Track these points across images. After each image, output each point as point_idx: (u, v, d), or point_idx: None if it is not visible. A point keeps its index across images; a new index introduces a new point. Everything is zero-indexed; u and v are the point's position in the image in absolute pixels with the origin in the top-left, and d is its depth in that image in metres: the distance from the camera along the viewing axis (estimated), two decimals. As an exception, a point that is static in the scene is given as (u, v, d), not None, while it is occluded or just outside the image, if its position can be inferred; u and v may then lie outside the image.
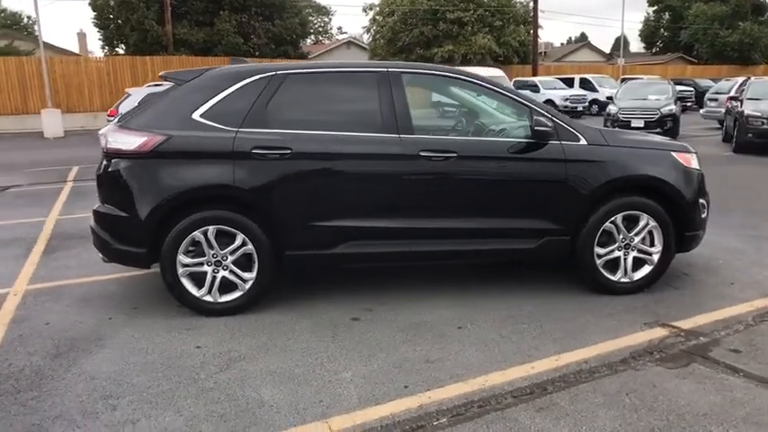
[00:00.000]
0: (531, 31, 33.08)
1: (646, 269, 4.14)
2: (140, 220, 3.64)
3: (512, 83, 27.15)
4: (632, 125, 14.51)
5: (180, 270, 3.70)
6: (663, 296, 4.10)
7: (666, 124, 14.46)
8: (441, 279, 4.42)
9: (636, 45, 60.82)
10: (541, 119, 3.79)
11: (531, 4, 32.69)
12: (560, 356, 3.23)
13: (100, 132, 3.83)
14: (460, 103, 4.56)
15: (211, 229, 3.68)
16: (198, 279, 3.76)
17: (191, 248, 3.74)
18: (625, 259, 4.09)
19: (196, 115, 3.69)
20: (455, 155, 3.81)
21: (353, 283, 4.34)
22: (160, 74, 4.00)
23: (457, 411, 2.70)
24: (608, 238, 4.05)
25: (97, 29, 26.05)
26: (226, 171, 3.64)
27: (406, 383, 2.95)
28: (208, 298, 3.76)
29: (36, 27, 19.11)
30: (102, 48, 27.38)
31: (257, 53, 27.68)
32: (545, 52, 52.10)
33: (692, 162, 4.21)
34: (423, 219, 3.86)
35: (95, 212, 3.85)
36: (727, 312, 3.82)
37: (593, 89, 27.35)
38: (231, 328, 3.62)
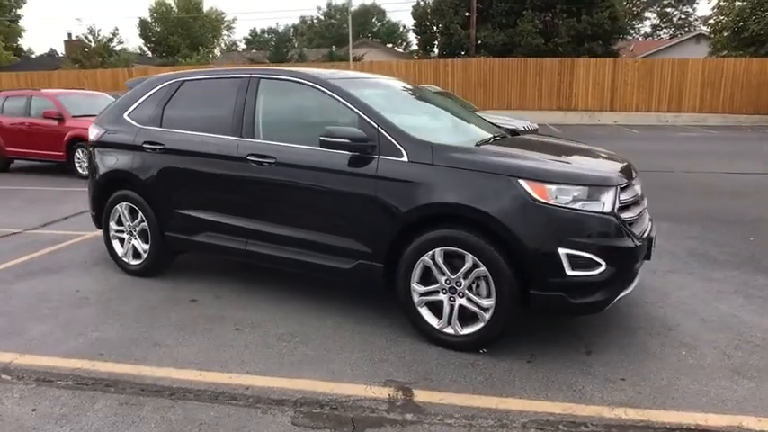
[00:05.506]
0: None
1: (477, 325, 3.30)
2: (92, 192, 4.92)
3: None
4: None
5: (111, 234, 4.83)
6: (479, 363, 3.22)
7: None
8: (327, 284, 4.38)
9: None
10: (333, 129, 3.46)
11: None
12: (203, 373, 3.15)
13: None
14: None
15: (124, 204, 4.68)
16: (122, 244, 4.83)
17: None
18: (451, 306, 3.35)
19: (125, 115, 4.71)
20: (274, 161, 3.82)
21: (239, 271, 4.76)
22: (125, 82, 5.14)
23: (91, 383, 3.03)
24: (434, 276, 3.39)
25: (415, 35, 29.59)
26: (128, 160, 4.56)
27: (105, 352, 3.38)
28: (126, 259, 4.79)
29: (351, 38, 23.19)
30: (417, 52, 30.90)
31: (562, 50, 26.81)
32: None
33: (557, 196, 3.08)
34: (254, 220, 4.00)
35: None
36: (513, 404, 2.82)
37: None
38: (130, 283, 4.59)
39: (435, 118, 4.44)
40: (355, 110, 3.65)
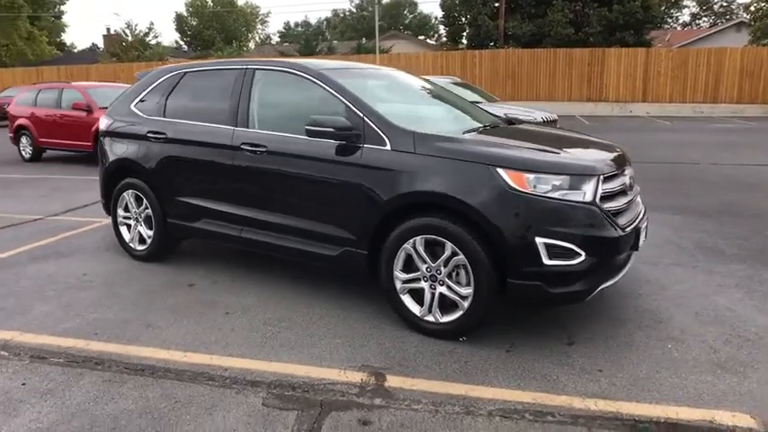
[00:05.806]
0: None
1: (456, 313, 3.31)
2: (102, 180, 5.09)
3: None
4: None
5: (118, 220, 5.00)
6: (457, 351, 3.23)
7: None
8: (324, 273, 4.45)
9: None
10: (318, 118, 3.50)
11: None
12: (187, 354, 3.25)
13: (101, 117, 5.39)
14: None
15: (131, 192, 4.84)
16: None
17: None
18: (432, 294, 3.37)
19: (132, 106, 4.85)
20: (265, 149, 3.89)
21: (240, 258, 4.87)
22: (135, 74, 5.28)
23: (81, 361, 3.19)
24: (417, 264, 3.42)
25: (443, 26, 29.35)
26: (134, 149, 4.71)
27: (100, 332, 3.53)
28: (132, 245, 4.96)
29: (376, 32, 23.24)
30: (445, 43, 30.62)
31: (592, 40, 26.19)
32: None
33: (535, 185, 3.05)
34: (248, 207, 4.09)
35: (100, 176, 5.47)
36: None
37: None
38: (134, 267, 4.77)
39: (429, 108, 4.45)
40: (343, 99, 3.68)
